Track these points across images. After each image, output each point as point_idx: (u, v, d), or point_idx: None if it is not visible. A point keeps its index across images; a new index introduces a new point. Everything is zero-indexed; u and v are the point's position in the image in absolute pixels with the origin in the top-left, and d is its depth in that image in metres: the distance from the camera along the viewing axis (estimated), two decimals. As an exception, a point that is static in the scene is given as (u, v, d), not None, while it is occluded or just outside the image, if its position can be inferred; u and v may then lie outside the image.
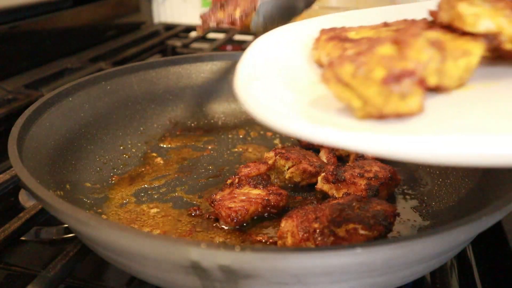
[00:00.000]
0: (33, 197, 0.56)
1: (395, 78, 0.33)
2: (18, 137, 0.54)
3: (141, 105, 0.81)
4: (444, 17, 0.39)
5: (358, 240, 0.47)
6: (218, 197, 0.60)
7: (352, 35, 0.45)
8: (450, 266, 0.53)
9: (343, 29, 0.48)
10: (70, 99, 0.69)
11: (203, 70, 0.88)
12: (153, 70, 0.83)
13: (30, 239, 0.61)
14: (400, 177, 0.66)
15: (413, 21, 0.44)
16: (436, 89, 0.37)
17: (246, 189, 0.61)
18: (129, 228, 0.39)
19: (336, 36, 0.45)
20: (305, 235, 0.48)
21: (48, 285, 0.47)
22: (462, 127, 0.32)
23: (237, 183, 0.62)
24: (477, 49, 0.37)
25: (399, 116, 0.35)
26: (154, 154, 0.76)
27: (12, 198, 0.69)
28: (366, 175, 0.61)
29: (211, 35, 1.54)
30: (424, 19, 0.44)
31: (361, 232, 0.48)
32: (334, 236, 0.48)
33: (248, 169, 0.64)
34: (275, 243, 0.54)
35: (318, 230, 0.48)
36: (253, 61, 0.47)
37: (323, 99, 0.40)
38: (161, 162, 0.74)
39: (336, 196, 0.61)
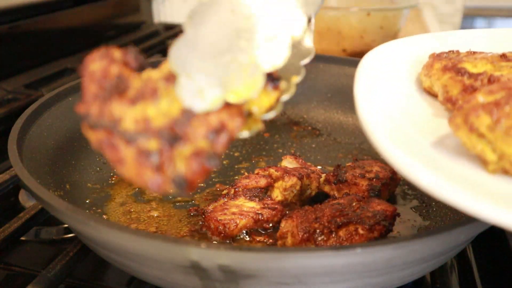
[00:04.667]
0: (33, 197, 0.56)
1: None
2: (18, 137, 0.54)
3: (141, 105, 0.81)
4: None
5: (358, 240, 0.48)
6: (210, 208, 0.57)
7: (469, 67, 0.43)
8: (450, 266, 0.53)
9: (457, 58, 0.46)
10: (70, 99, 0.69)
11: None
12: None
13: (30, 239, 0.61)
14: (401, 177, 0.66)
15: None
16: None
17: (240, 201, 0.58)
18: (129, 228, 0.39)
19: (452, 67, 0.44)
20: (305, 235, 0.48)
21: (48, 285, 0.47)
22: None
23: (233, 194, 0.59)
24: None
25: None
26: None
27: (12, 198, 0.68)
28: (367, 175, 0.61)
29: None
30: None
31: (361, 232, 0.48)
32: (334, 236, 0.48)
33: (247, 180, 0.61)
34: (275, 243, 0.54)
35: (318, 230, 0.48)
36: (367, 82, 0.46)
37: (446, 141, 0.38)
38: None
39: (337, 196, 0.61)
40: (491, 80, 0.42)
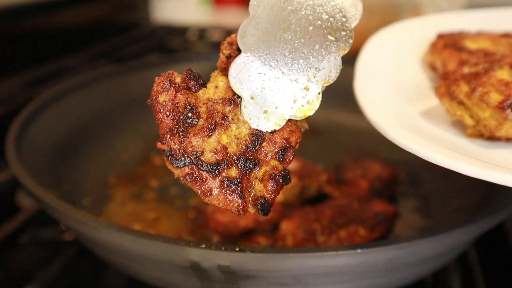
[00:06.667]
0: (31, 197, 0.56)
1: (511, 105, 0.35)
2: (16, 137, 0.54)
3: (141, 105, 0.80)
4: None
5: (359, 241, 0.47)
6: (210, 209, 0.57)
7: (469, 44, 0.47)
8: (453, 268, 0.53)
9: (460, 35, 0.49)
10: (69, 98, 0.69)
11: (202, 69, 0.87)
12: (152, 69, 0.83)
13: (28, 240, 0.60)
14: (402, 177, 0.66)
15: None
16: None
17: None
18: (128, 228, 0.38)
19: (453, 44, 0.47)
20: (305, 235, 0.48)
21: (46, 287, 0.46)
22: None
23: None
24: None
25: (510, 140, 0.36)
26: (154, 154, 0.75)
27: (9, 198, 0.68)
28: (368, 176, 0.61)
29: (211, 34, 1.54)
30: None
31: (362, 232, 0.48)
32: (335, 236, 0.48)
33: None
34: (275, 243, 0.54)
35: (318, 231, 0.48)
36: (370, 61, 0.49)
37: (433, 110, 0.42)
38: (161, 162, 0.73)
39: (338, 196, 0.60)
40: (486, 55, 0.44)
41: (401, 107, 0.43)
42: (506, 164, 0.33)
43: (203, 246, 0.36)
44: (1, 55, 1.02)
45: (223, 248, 0.36)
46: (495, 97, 0.35)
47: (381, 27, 1.15)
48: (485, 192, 0.55)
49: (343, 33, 0.34)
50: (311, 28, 0.34)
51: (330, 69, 0.34)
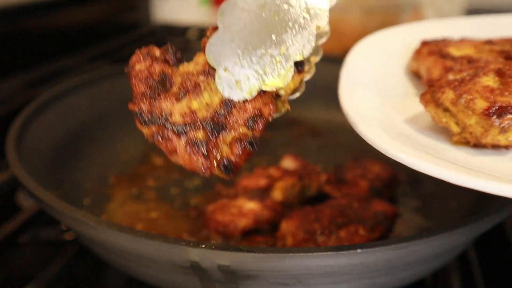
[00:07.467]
0: (31, 197, 0.56)
1: (497, 112, 0.34)
2: (16, 137, 0.54)
3: (141, 105, 0.81)
4: None
5: (359, 241, 0.47)
6: (210, 208, 0.57)
7: (453, 51, 0.47)
8: (453, 268, 0.53)
9: (444, 42, 0.49)
10: (69, 98, 0.69)
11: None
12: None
13: (28, 240, 0.60)
14: (402, 177, 0.66)
15: None
16: None
17: (240, 202, 0.57)
18: (128, 228, 0.38)
19: (438, 51, 0.47)
20: (305, 235, 0.48)
21: (46, 287, 0.46)
22: None
23: (233, 194, 0.59)
24: None
25: (496, 148, 0.36)
26: (154, 154, 0.75)
27: (9, 198, 0.68)
28: (368, 176, 0.61)
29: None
30: None
31: (362, 232, 0.48)
32: (335, 236, 0.48)
33: (247, 180, 0.61)
34: (275, 243, 0.54)
35: (318, 231, 0.48)
36: (355, 66, 0.49)
37: (418, 117, 0.42)
38: (161, 162, 0.73)
39: (338, 196, 0.60)
40: (470, 62, 0.44)
41: (386, 114, 0.43)
42: (492, 172, 0.33)
43: (203, 246, 0.36)
44: (1, 55, 1.02)
45: (223, 248, 0.36)
46: (480, 104, 0.35)
47: (381, 27, 1.15)
48: (485, 192, 0.55)
49: (318, 11, 0.36)
50: (285, 6, 0.35)
51: (303, 45, 0.36)
